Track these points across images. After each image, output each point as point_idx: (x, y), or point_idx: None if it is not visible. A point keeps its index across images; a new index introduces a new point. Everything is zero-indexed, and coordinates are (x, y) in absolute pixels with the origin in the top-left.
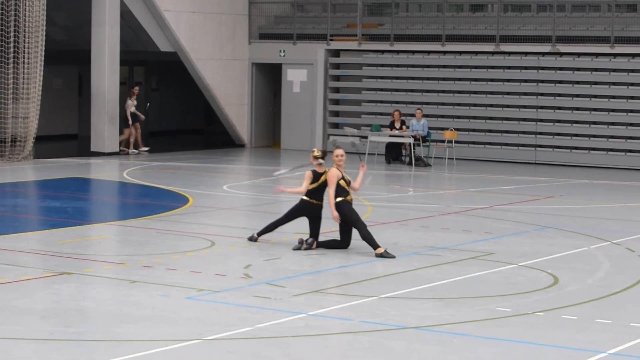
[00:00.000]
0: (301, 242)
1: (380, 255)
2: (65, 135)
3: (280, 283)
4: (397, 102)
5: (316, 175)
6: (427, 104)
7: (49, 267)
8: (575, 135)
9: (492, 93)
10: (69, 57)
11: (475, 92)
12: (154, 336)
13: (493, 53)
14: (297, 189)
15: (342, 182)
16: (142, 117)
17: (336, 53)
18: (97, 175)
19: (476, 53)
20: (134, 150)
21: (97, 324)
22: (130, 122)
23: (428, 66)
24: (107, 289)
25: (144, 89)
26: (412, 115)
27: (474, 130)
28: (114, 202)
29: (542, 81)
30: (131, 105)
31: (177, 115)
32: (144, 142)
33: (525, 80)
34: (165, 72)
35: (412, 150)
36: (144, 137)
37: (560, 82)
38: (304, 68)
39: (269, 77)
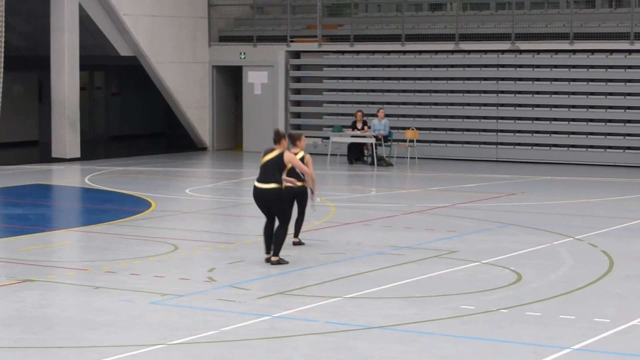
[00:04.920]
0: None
1: (277, 263)
2: (26, 142)
3: (245, 286)
4: (358, 103)
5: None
6: (388, 103)
7: (11, 274)
8: (536, 132)
9: (452, 92)
10: (28, 64)
11: (435, 91)
12: (118, 342)
13: (453, 52)
14: (312, 182)
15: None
16: None
17: (296, 54)
18: (58, 181)
19: (436, 52)
20: None
21: (61, 330)
22: None
23: (388, 66)
24: (71, 296)
25: (104, 93)
26: (374, 115)
27: (435, 129)
28: (76, 208)
29: (502, 79)
30: None
31: (138, 120)
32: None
33: (485, 78)
34: (126, 77)
35: (374, 150)
36: (106, 142)
37: (520, 79)
38: (265, 70)
39: (230, 79)
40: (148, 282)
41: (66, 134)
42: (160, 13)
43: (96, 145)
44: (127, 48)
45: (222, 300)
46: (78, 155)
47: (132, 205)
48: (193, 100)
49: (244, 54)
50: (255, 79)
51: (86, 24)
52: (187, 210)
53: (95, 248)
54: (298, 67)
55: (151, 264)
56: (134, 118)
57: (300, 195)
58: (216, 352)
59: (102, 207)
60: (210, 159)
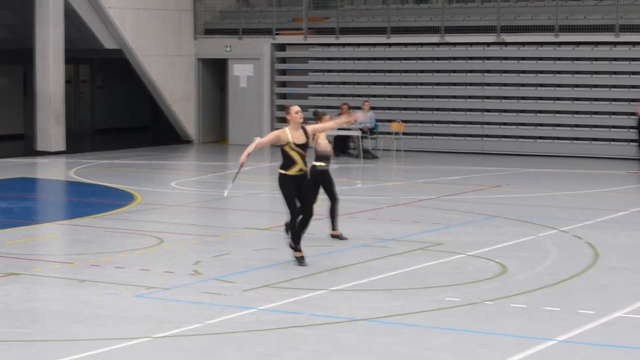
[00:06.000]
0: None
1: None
2: (11, 135)
3: (230, 279)
4: (343, 95)
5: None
6: (374, 96)
7: None
8: (522, 124)
9: (438, 84)
10: (13, 56)
11: (421, 84)
12: (104, 335)
13: (438, 44)
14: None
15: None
16: None
17: (282, 47)
18: (43, 174)
19: (422, 45)
20: None
21: (47, 324)
22: None
23: (374, 59)
24: (56, 289)
25: (90, 86)
26: (360, 108)
27: (421, 121)
28: (62, 201)
29: (488, 71)
30: None
31: (124, 113)
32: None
33: (471, 71)
34: (111, 70)
35: (360, 143)
36: (91, 135)
37: (505, 71)
38: (250, 63)
39: (215, 72)
40: (133, 275)
41: (51, 127)
42: (146, 6)
43: (81, 139)
44: (112, 41)
45: (207, 293)
46: (63, 148)
47: (118, 199)
48: (178, 93)
49: (230, 46)
50: (240, 72)
51: (71, 17)
52: (172, 203)
53: (81, 241)
54: (284, 60)
55: (136, 257)
56: (120, 111)
57: (323, 179)
58: (202, 345)
59: (87, 201)
60: (195, 152)
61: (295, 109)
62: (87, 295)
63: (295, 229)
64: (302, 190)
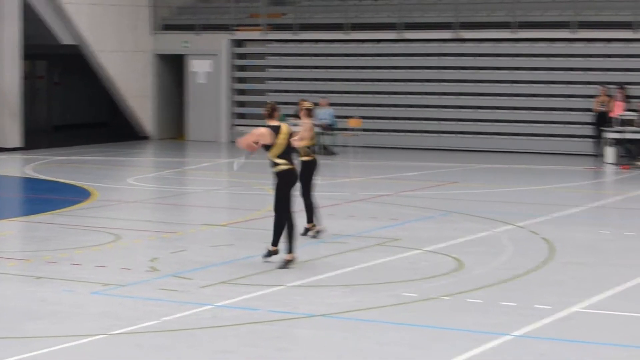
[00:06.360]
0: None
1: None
2: None
3: (187, 275)
4: (302, 92)
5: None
6: (332, 92)
7: None
8: (479, 120)
9: (395, 80)
10: None
11: (379, 80)
12: (61, 332)
13: (396, 41)
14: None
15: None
16: None
17: (240, 43)
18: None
19: (379, 41)
20: None
21: (3, 321)
22: None
23: (332, 55)
24: (13, 286)
25: (47, 82)
26: (317, 104)
27: (378, 118)
28: (17, 197)
29: (445, 68)
30: None
31: (81, 109)
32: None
33: (429, 67)
34: (68, 66)
35: (318, 140)
36: (48, 131)
37: (463, 68)
38: (208, 59)
39: (173, 68)
40: (90, 272)
41: (7, 124)
42: (102, 1)
43: (38, 135)
44: (69, 37)
45: (164, 290)
46: (20, 144)
47: (74, 195)
48: (136, 89)
49: (187, 42)
50: (198, 68)
51: (28, 12)
52: (129, 199)
53: (37, 238)
54: (242, 56)
55: (93, 254)
56: (77, 107)
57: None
58: (158, 342)
59: (43, 197)
60: (153, 148)
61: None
62: (44, 292)
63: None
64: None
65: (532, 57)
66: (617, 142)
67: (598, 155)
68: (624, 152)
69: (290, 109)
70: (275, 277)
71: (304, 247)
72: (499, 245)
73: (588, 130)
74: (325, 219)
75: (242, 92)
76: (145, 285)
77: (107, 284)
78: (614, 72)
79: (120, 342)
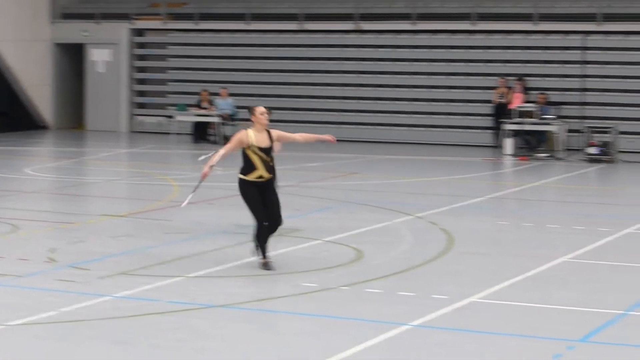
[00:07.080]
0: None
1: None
2: None
3: (86, 266)
4: (203, 82)
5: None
6: (234, 82)
7: None
8: (379, 111)
9: (297, 71)
10: None
11: (281, 71)
12: None
13: (298, 31)
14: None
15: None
16: None
17: (141, 32)
18: None
19: (281, 32)
20: None
21: None
22: None
23: (234, 45)
24: None
25: None
26: (217, 94)
27: (280, 108)
28: None
29: (346, 59)
30: None
31: None
32: None
33: (330, 58)
34: None
35: (220, 130)
36: None
37: (363, 59)
38: (108, 48)
39: (73, 57)
40: None
41: None
42: None
43: None
44: None
45: (62, 281)
46: None
47: None
48: (34, 78)
49: (87, 31)
50: (98, 57)
51: None
52: (27, 190)
53: None
54: (142, 45)
55: None
56: None
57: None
58: (57, 333)
59: None
60: (52, 138)
61: (260, 110)
62: None
63: (261, 237)
64: (266, 198)
65: (432, 49)
66: (516, 134)
67: (497, 147)
68: (523, 143)
69: (192, 99)
70: (175, 268)
71: (204, 237)
72: (398, 235)
73: (487, 121)
74: (226, 209)
75: (142, 81)
76: (43, 276)
77: (4, 275)
78: (514, 64)
79: (18, 333)
